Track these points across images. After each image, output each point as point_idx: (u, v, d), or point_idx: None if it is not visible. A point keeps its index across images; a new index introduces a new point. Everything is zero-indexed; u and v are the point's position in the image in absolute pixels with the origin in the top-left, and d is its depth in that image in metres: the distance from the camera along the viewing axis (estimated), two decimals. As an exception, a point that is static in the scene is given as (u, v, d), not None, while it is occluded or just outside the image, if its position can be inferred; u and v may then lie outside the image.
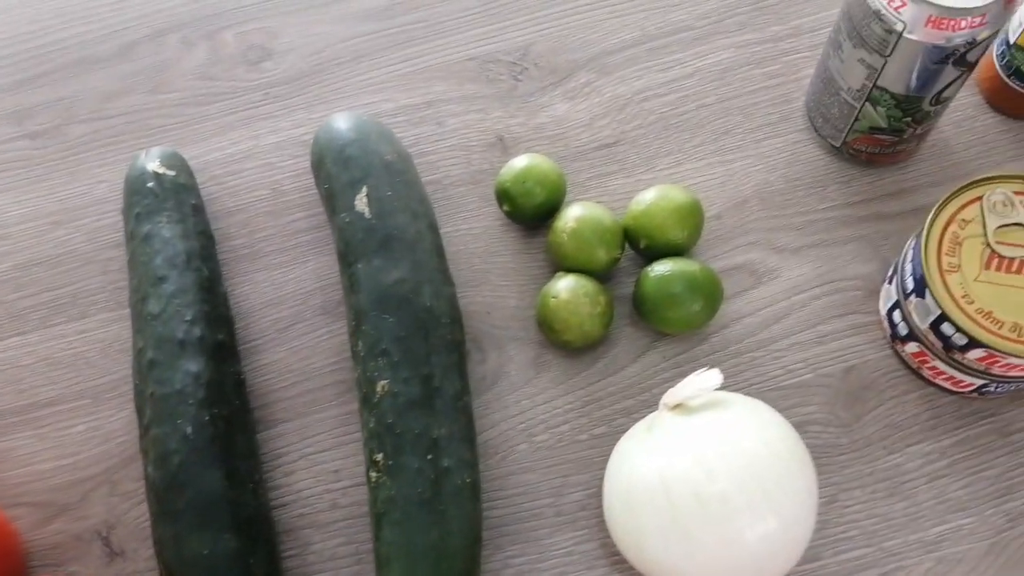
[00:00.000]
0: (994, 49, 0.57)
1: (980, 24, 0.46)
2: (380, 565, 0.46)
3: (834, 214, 0.57)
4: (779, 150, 0.59)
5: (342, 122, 0.55)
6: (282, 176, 0.60)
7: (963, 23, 0.46)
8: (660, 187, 0.54)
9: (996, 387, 0.50)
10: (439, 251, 0.53)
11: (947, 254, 0.48)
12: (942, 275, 0.47)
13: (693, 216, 0.53)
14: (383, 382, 0.48)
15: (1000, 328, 0.46)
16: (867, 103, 0.52)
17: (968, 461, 0.51)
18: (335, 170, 0.54)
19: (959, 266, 0.47)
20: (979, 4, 0.45)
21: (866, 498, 0.50)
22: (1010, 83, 0.56)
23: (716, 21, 0.63)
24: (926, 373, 0.51)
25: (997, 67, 0.57)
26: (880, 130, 0.54)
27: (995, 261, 0.47)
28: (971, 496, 0.50)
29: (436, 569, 0.45)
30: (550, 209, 0.55)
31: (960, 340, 0.47)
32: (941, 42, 0.47)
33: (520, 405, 0.53)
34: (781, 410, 0.52)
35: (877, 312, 0.54)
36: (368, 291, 0.50)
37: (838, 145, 0.57)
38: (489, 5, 0.64)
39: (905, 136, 0.54)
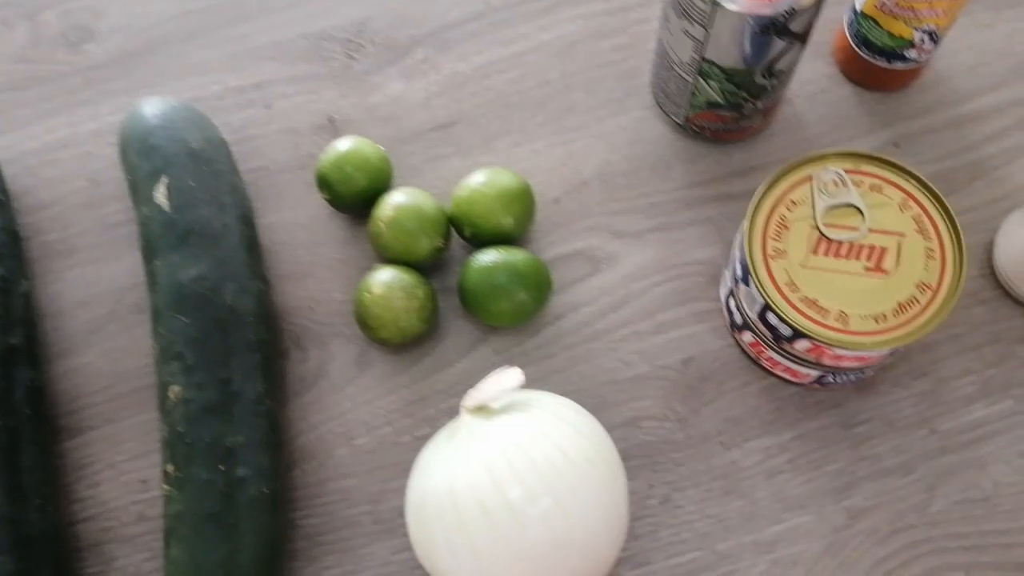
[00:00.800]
0: (845, 18, 0.54)
1: (798, -9, 0.43)
2: (164, 586, 0.43)
3: (678, 195, 0.53)
4: (623, 128, 0.55)
5: (149, 108, 0.52)
6: (100, 166, 0.56)
7: (779, -10, 0.43)
8: (487, 170, 0.50)
9: (835, 378, 0.47)
10: (250, 244, 0.50)
11: (772, 238, 0.45)
12: (766, 261, 0.44)
13: (521, 201, 0.50)
14: (175, 387, 0.45)
15: (825, 317, 0.43)
16: (699, 77, 0.49)
17: (808, 456, 0.48)
18: (137, 160, 0.50)
19: (785, 251, 0.44)
20: (795, -31, 0.42)
21: (700, 497, 0.47)
22: (861, 53, 0.53)
23: (563, -10, 0.59)
24: (764, 363, 0.49)
25: (848, 37, 0.53)
26: (718, 105, 0.50)
27: (823, 245, 0.44)
28: (810, 493, 0.47)
29: (223, 588, 0.42)
30: (373, 196, 0.51)
31: (786, 331, 0.44)
32: (760, 11, 0.43)
33: (341, 407, 0.50)
34: (615, 405, 0.49)
35: (719, 299, 0.51)
36: (165, 290, 0.47)
37: (681, 122, 0.53)
38: (325, -23, 0.61)
39: (746, 111, 0.51)
